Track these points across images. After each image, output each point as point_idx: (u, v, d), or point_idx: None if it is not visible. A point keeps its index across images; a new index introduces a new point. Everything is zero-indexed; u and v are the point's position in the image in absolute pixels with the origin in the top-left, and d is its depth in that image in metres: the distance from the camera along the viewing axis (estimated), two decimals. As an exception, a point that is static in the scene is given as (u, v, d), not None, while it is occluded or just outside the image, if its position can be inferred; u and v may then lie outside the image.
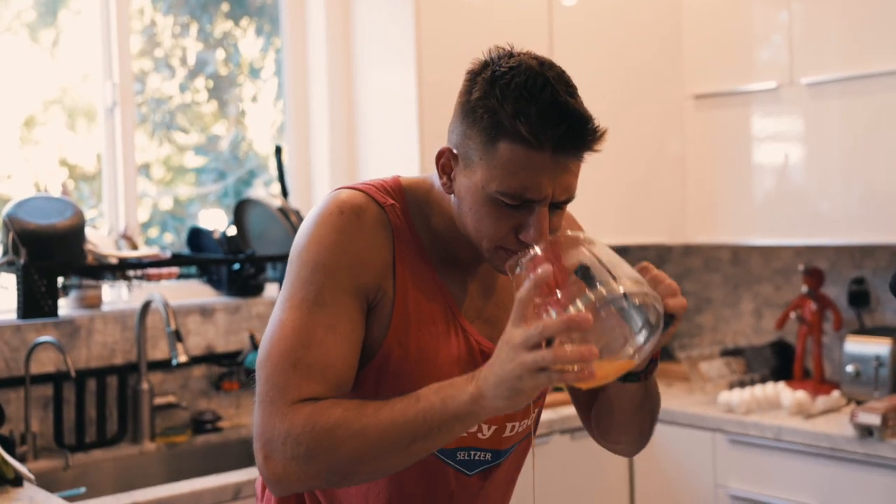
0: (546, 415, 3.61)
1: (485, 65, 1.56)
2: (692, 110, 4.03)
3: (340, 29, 3.98)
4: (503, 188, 1.50)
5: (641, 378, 1.61)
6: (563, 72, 1.55)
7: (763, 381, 3.94)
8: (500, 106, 1.49)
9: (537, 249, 1.45)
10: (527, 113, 1.47)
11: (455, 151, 1.58)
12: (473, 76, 1.56)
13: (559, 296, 1.37)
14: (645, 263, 1.52)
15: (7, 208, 3.03)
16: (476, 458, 1.70)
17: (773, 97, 3.75)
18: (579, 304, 1.35)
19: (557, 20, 3.95)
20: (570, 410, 3.74)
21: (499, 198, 1.51)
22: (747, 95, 3.84)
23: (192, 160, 4.14)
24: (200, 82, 4.11)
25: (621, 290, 1.37)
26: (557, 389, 3.99)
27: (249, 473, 2.83)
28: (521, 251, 1.49)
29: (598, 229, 3.88)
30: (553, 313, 1.35)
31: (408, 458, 1.47)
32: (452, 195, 1.61)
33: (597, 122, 1.52)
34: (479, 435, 1.68)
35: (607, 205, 4.03)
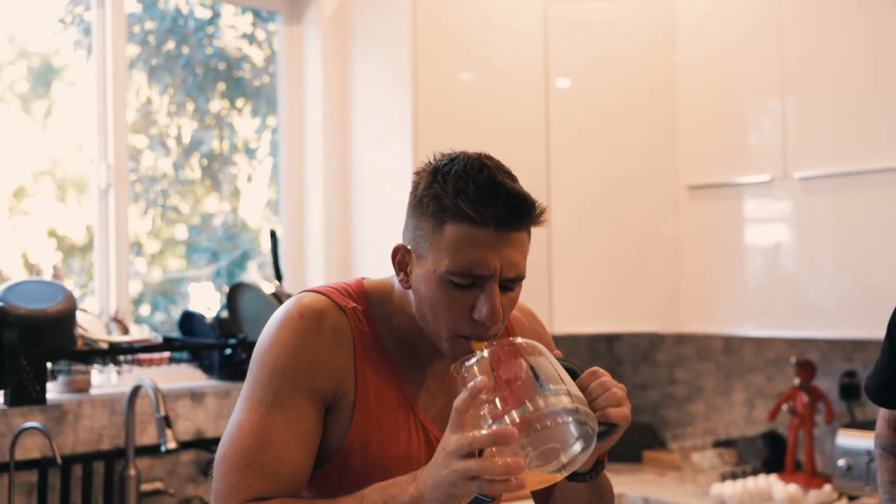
0: None
1: (428, 163, 1.67)
2: (686, 200, 4.05)
3: (338, 108, 4.02)
4: (452, 267, 1.58)
5: (587, 478, 1.67)
6: (502, 164, 1.64)
7: (755, 472, 3.91)
8: (442, 190, 1.59)
9: (484, 353, 1.50)
10: (466, 192, 1.57)
11: (409, 247, 1.67)
12: (419, 174, 1.67)
13: (497, 404, 1.44)
14: (595, 368, 1.58)
15: (-2, 292, 3.02)
16: None
17: (766, 190, 3.77)
18: (514, 414, 1.42)
19: (554, 101, 3.99)
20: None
21: (450, 278, 1.59)
22: (741, 187, 3.86)
23: (185, 236, 4.14)
24: (195, 161, 4.13)
25: (558, 405, 1.43)
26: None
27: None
28: (472, 349, 1.59)
29: (591, 317, 3.92)
30: (487, 423, 1.43)
31: None
32: (410, 290, 1.68)
33: (537, 201, 1.61)
34: None
35: (600, 292, 4.03)
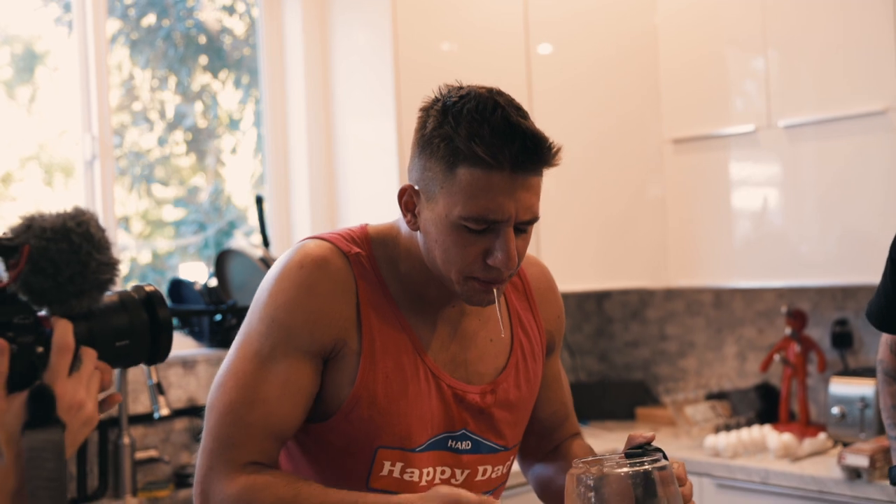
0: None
1: (435, 100, 1.60)
2: (671, 154, 4.04)
3: (320, 79, 3.99)
4: (466, 213, 1.53)
5: None
6: (513, 98, 1.58)
7: (749, 424, 3.92)
8: (454, 132, 1.52)
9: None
10: (480, 134, 1.50)
11: (416, 187, 1.61)
12: (426, 111, 1.60)
13: None
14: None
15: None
16: None
17: (751, 140, 3.77)
18: None
19: (536, 68, 3.97)
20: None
21: (463, 224, 1.54)
22: (726, 139, 3.86)
23: (171, 213, 4.12)
24: (179, 135, 4.11)
25: None
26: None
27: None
28: (490, 278, 1.56)
29: (580, 273, 3.92)
30: None
31: None
32: (418, 232, 1.63)
33: (551, 140, 1.55)
34: (453, 480, 1.70)
35: (588, 249, 4.03)
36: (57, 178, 3.74)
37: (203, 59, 4.17)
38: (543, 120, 3.95)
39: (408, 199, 1.63)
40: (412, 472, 1.65)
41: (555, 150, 1.55)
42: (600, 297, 4.76)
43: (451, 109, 1.54)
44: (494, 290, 1.60)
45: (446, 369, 1.69)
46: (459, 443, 1.69)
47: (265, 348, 1.60)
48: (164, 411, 3.03)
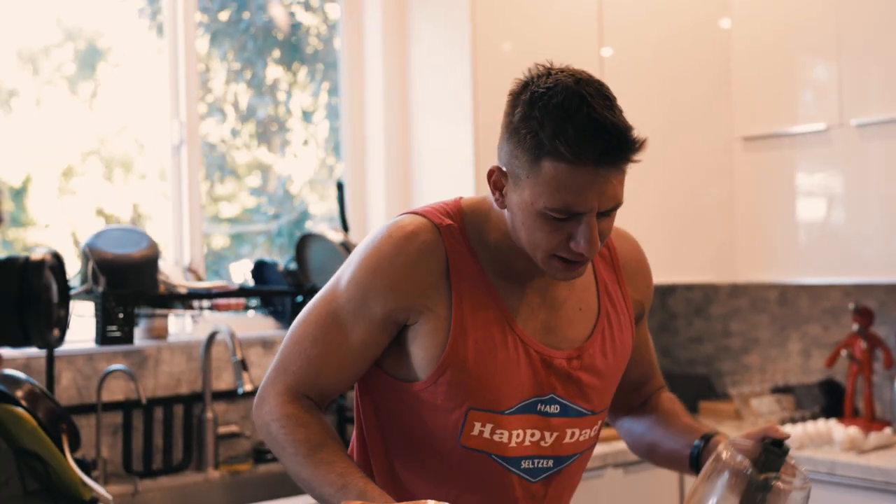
0: (600, 448, 3.66)
1: (525, 85, 1.66)
2: (741, 152, 4.10)
3: (398, 76, 4.07)
4: (550, 204, 1.59)
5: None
6: (602, 86, 1.63)
7: (814, 418, 3.97)
8: (540, 127, 1.58)
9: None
10: (565, 132, 1.55)
11: (504, 169, 1.68)
12: (515, 97, 1.66)
13: None
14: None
15: (86, 239, 3.11)
16: (539, 465, 1.78)
17: (823, 139, 3.82)
18: None
19: (608, 64, 4.04)
20: (624, 445, 3.78)
21: (547, 213, 1.60)
22: (795, 137, 3.91)
23: (246, 201, 4.22)
24: (251, 127, 4.21)
25: None
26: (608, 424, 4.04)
27: (308, 500, 2.88)
28: (573, 258, 1.64)
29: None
30: None
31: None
32: (506, 210, 1.71)
33: (636, 133, 1.60)
34: (542, 443, 1.77)
35: (655, 241, 4.04)
36: (117, 173, 3.84)
37: (277, 53, 4.27)
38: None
39: (496, 179, 1.70)
40: (502, 434, 1.73)
41: (639, 144, 1.59)
42: (664, 293, 4.81)
43: (538, 102, 1.60)
44: (579, 269, 1.68)
45: (535, 336, 1.76)
46: (548, 406, 1.76)
47: (342, 302, 1.73)
48: (248, 387, 3.12)
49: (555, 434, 1.77)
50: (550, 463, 1.79)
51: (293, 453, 1.70)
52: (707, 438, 1.86)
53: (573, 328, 1.80)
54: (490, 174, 1.71)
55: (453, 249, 1.73)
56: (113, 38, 3.85)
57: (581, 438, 1.82)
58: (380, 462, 1.83)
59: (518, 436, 1.74)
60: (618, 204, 1.64)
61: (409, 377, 1.75)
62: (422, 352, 1.72)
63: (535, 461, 1.77)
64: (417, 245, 1.72)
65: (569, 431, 1.79)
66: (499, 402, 1.72)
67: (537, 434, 1.76)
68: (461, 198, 1.84)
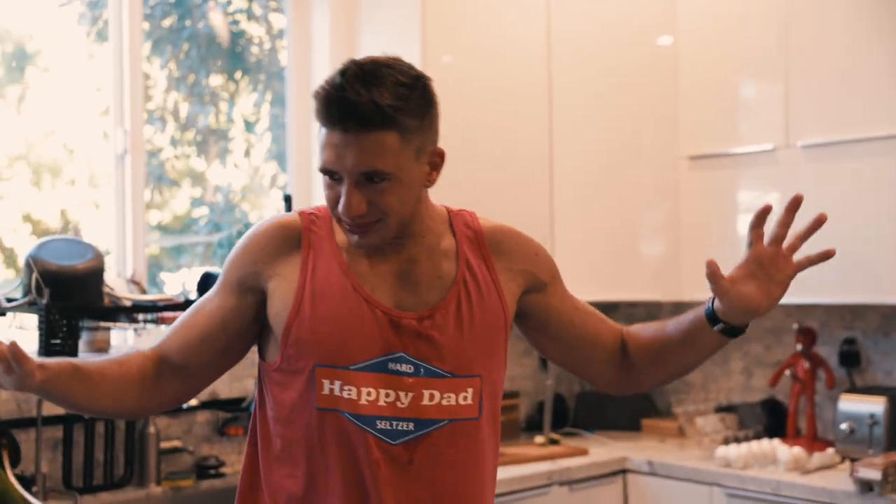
0: (545, 466, 3.67)
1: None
2: (686, 170, 4.12)
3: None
4: (320, 164, 1.75)
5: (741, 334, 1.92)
6: (378, 68, 1.73)
7: (757, 437, 3.99)
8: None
9: None
10: (318, 94, 1.73)
11: None
12: None
13: None
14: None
15: (30, 250, 3.03)
16: (399, 427, 1.81)
17: (769, 158, 3.85)
18: None
19: (556, 82, 4.04)
20: (569, 462, 3.78)
21: (322, 172, 1.76)
22: (741, 157, 3.94)
23: (186, 210, 4.16)
24: (191, 136, 4.14)
25: None
26: (553, 442, 4.04)
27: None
28: (347, 223, 1.76)
29: (590, 284, 3.98)
30: None
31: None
32: None
33: (377, 101, 1.68)
34: (398, 404, 1.81)
35: (600, 258, 4.10)
36: (45, 178, 3.77)
37: (219, 61, 4.21)
38: (563, 131, 4.03)
39: None
40: (350, 390, 1.78)
41: (376, 111, 1.67)
42: (606, 310, 4.78)
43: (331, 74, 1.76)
44: (371, 235, 1.77)
45: (382, 298, 1.84)
46: (399, 365, 1.81)
47: (211, 291, 1.90)
48: (192, 402, 3.07)
49: (410, 394, 1.81)
50: (411, 426, 1.81)
51: None
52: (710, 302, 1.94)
53: (430, 293, 1.87)
54: None
55: (310, 230, 1.87)
56: (42, 42, 3.77)
57: (444, 403, 1.83)
58: (266, 467, 1.89)
59: (369, 394, 1.79)
60: (375, 170, 1.70)
61: (276, 358, 1.85)
62: (277, 321, 1.82)
63: (393, 423, 1.80)
64: (275, 226, 1.87)
65: (426, 393, 1.82)
66: (342, 356, 1.79)
67: (392, 394, 1.80)
68: None
